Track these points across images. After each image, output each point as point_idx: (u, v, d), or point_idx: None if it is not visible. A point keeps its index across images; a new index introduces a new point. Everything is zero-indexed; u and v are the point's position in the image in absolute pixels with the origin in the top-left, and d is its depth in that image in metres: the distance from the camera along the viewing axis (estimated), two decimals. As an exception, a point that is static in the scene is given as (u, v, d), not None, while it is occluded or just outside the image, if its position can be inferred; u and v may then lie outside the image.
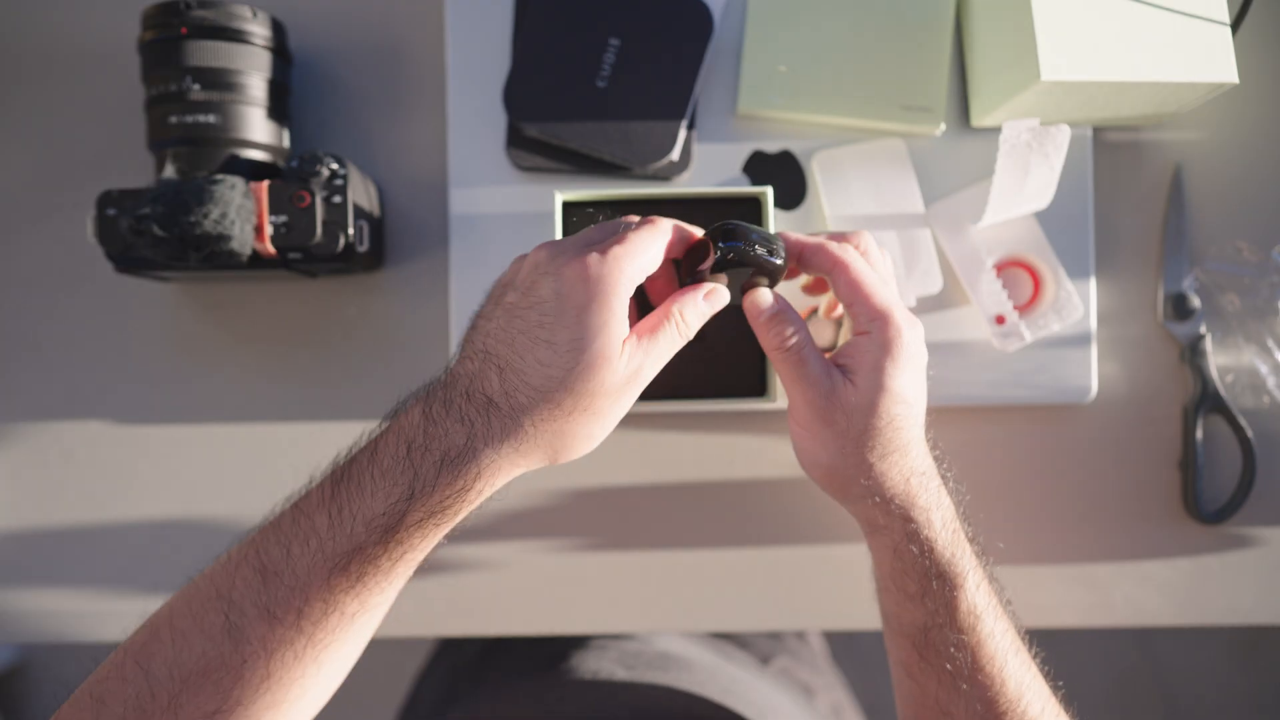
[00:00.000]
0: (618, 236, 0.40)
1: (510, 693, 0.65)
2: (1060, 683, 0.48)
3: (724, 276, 0.44)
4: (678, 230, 0.43)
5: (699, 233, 0.44)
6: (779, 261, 0.43)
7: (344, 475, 0.41)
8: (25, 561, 0.61)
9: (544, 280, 0.39)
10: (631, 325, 0.42)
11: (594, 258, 0.39)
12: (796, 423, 0.46)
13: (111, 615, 0.61)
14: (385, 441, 0.41)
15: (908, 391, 0.44)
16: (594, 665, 0.66)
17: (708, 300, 0.43)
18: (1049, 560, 0.61)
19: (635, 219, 0.43)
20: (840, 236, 0.47)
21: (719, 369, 0.51)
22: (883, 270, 0.47)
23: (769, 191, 0.50)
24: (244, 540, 0.42)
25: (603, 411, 0.41)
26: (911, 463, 0.45)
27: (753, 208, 0.52)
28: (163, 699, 0.39)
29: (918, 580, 0.45)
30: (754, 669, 0.74)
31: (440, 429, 0.40)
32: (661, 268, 0.43)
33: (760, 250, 0.42)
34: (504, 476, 0.41)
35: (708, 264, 0.42)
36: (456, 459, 0.39)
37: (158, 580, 0.61)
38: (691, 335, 0.44)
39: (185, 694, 0.39)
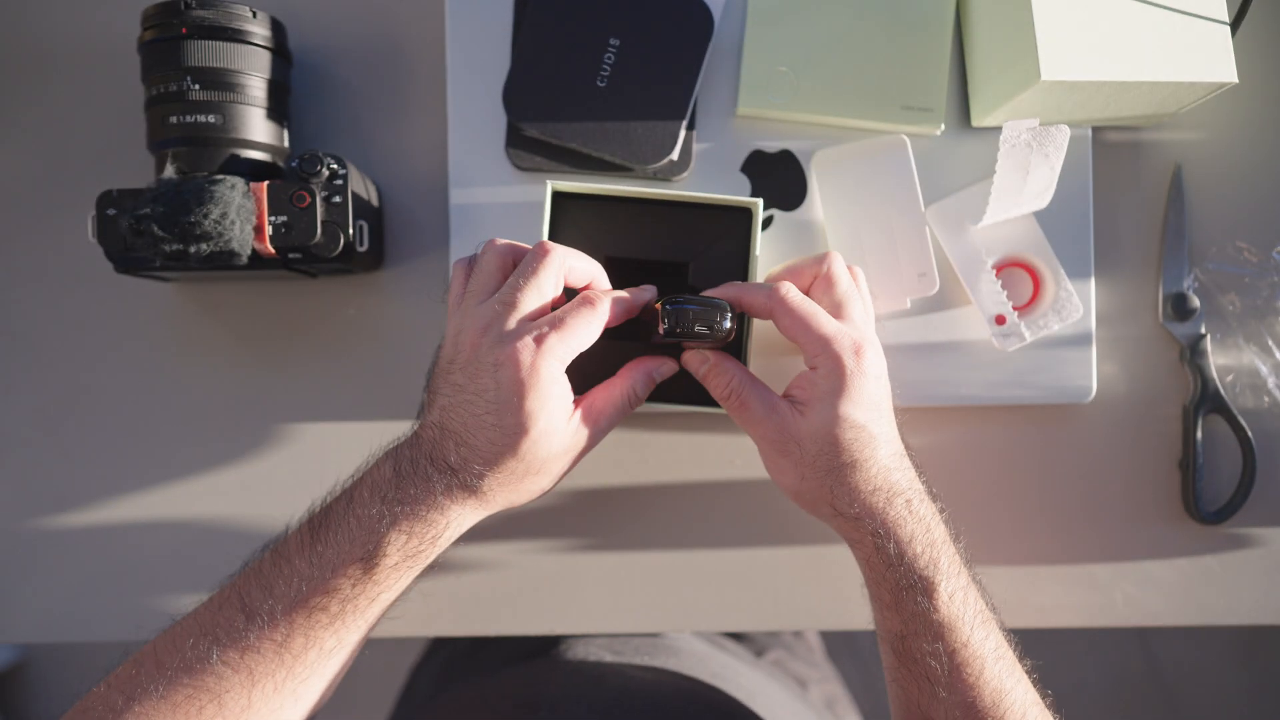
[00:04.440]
0: (555, 320, 0.44)
1: (499, 678, 0.66)
2: (1049, 692, 0.48)
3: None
4: (619, 305, 0.46)
5: (647, 293, 0.48)
6: (722, 333, 0.46)
7: (322, 523, 0.45)
8: (25, 561, 0.61)
9: (485, 372, 0.43)
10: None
11: (527, 349, 0.42)
12: (762, 454, 0.49)
13: (111, 615, 0.61)
14: (360, 493, 0.45)
15: (859, 416, 0.45)
16: (583, 652, 0.67)
17: (658, 375, 0.49)
18: (1049, 560, 0.61)
19: (553, 266, 0.45)
20: (793, 272, 0.50)
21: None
22: (839, 292, 0.48)
23: (759, 204, 0.51)
24: (223, 586, 0.46)
25: (553, 471, 0.46)
26: (874, 480, 0.46)
27: (744, 217, 0.52)
28: None
29: (890, 590, 0.46)
30: (747, 660, 0.75)
31: (411, 484, 0.44)
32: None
33: (700, 328, 0.45)
34: (468, 523, 0.47)
35: (660, 329, 0.45)
36: (428, 512, 0.44)
37: (158, 580, 0.61)
38: (643, 401, 0.49)
39: None
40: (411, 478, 0.44)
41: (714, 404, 0.51)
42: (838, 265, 0.49)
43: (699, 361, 0.48)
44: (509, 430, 0.43)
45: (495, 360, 0.43)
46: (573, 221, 0.52)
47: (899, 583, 0.46)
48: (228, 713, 0.43)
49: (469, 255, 0.49)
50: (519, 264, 0.46)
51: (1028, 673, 0.48)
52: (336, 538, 0.44)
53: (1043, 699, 0.48)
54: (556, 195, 0.51)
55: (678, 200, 0.52)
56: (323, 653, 0.45)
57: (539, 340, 0.42)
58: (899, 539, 0.46)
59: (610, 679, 0.62)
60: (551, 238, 0.51)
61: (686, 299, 0.46)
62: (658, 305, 0.46)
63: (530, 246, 0.46)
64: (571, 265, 0.46)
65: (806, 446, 0.46)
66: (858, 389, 0.45)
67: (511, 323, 0.43)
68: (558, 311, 0.44)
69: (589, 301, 0.45)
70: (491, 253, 0.47)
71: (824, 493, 0.46)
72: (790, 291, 0.46)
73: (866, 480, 0.46)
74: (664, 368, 0.49)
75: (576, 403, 0.46)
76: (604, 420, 0.47)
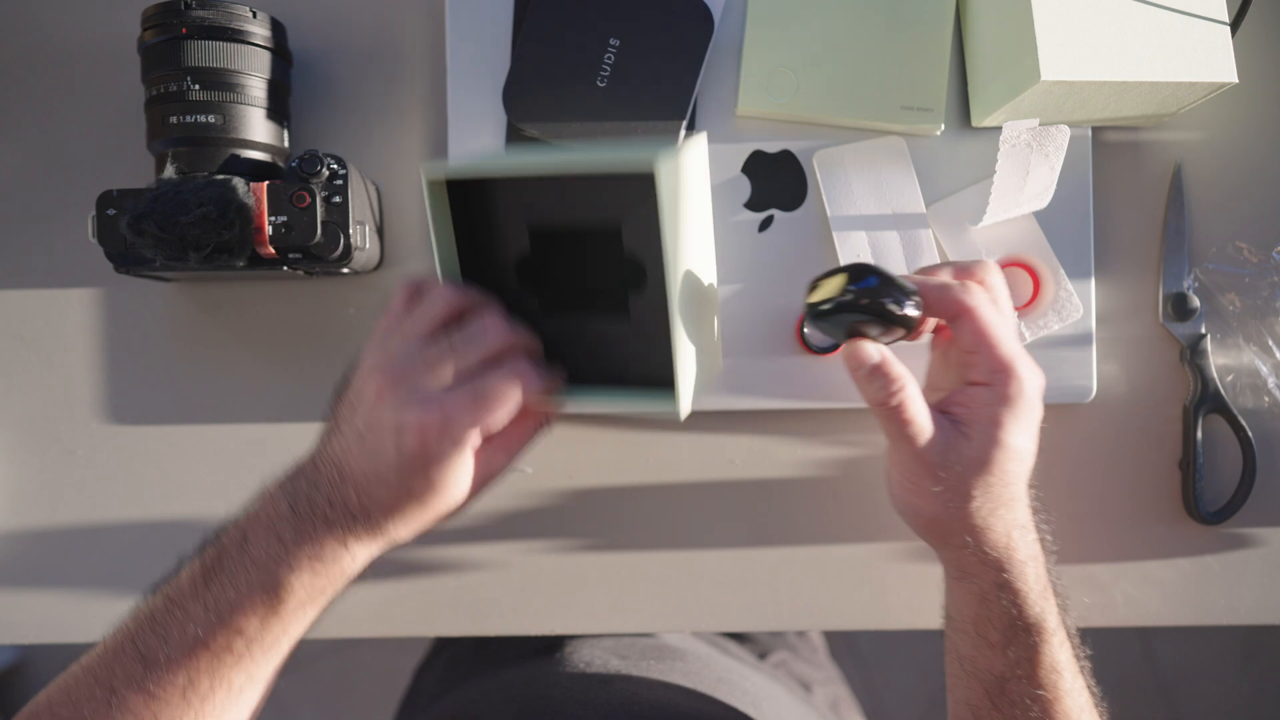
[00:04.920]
0: (472, 395, 0.41)
1: (503, 679, 0.66)
2: None
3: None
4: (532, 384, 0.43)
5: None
6: (912, 314, 0.41)
7: (215, 564, 0.43)
8: (25, 561, 0.61)
9: (386, 434, 0.41)
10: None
11: (434, 426, 0.40)
12: (899, 471, 0.44)
13: (111, 615, 0.60)
14: (255, 533, 0.43)
15: (1023, 447, 0.42)
16: (588, 655, 0.66)
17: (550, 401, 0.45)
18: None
19: (491, 334, 0.42)
20: (965, 272, 0.45)
21: (644, 356, 0.46)
22: (1006, 309, 0.45)
23: (660, 167, 0.39)
24: (115, 632, 0.44)
25: (462, 508, 0.44)
26: (1015, 516, 0.44)
27: (644, 187, 0.41)
28: None
29: (1002, 630, 0.44)
30: (751, 662, 0.75)
31: (310, 525, 0.42)
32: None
33: (890, 306, 0.40)
34: (374, 555, 0.45)
35: (837, 296, 0.41)
36: (332, 550, 0.42)
37: (157, 580, 0.60)
38: (544, 431, 0.46)
39: None
40: (310, 517, 0.42)
41: (641, 386, 0.45)
42: (1000, 279, 0.45)
43: (863, 356, 0.42)
44: (414, 491, 0.42)
45: (397, 425, 0.40)
46: (492, 201, 0.46)
47: (1015, 622, 0.43)
48: None
49: (419, 280, 0.46)
50: (465, 317, 0.43)
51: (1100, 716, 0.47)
52: (234, 580, 0.42)
53: None
54: (454, 185, 0.44)
55: (563, 172, 0.44)
56: (231, 691, 0.43)
57: (446, 422, 0.40)
58: (1026, 577, 0.43)
59: (615, 684, 0.62)
60: (468, 222, 0.46)
61: (874, 269, 0.41)
62: (842, 273, 0.41)
63: (481, 300, 0.44)
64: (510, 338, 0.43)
65: (966, 473, 0.42)
66: (1029, 417, 0.42)
67: (424, 387, 0.41)
68: (478, 384, 0.41)
69: (513, 378, 0.41)
70: (439, 298, 0.44)
71: (965, 523, 0.43)
72: (984, 297, 0.42)
73: (1012, 516, 0.43)
74: (866, 352, 0.43)
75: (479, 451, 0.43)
76: (517, 451, 0.45)
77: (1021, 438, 0.42)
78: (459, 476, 0.42)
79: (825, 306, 0.42)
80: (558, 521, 0.61)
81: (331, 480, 0.43)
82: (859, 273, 0.41)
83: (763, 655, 0.78)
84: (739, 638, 0.78)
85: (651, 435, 0.61)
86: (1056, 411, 0.61)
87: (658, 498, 0.61)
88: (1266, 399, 0.61)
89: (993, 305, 0.43)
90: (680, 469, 0.61)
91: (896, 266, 0.58)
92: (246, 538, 0.42)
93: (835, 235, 0.58)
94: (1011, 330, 0.43)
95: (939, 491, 0.42)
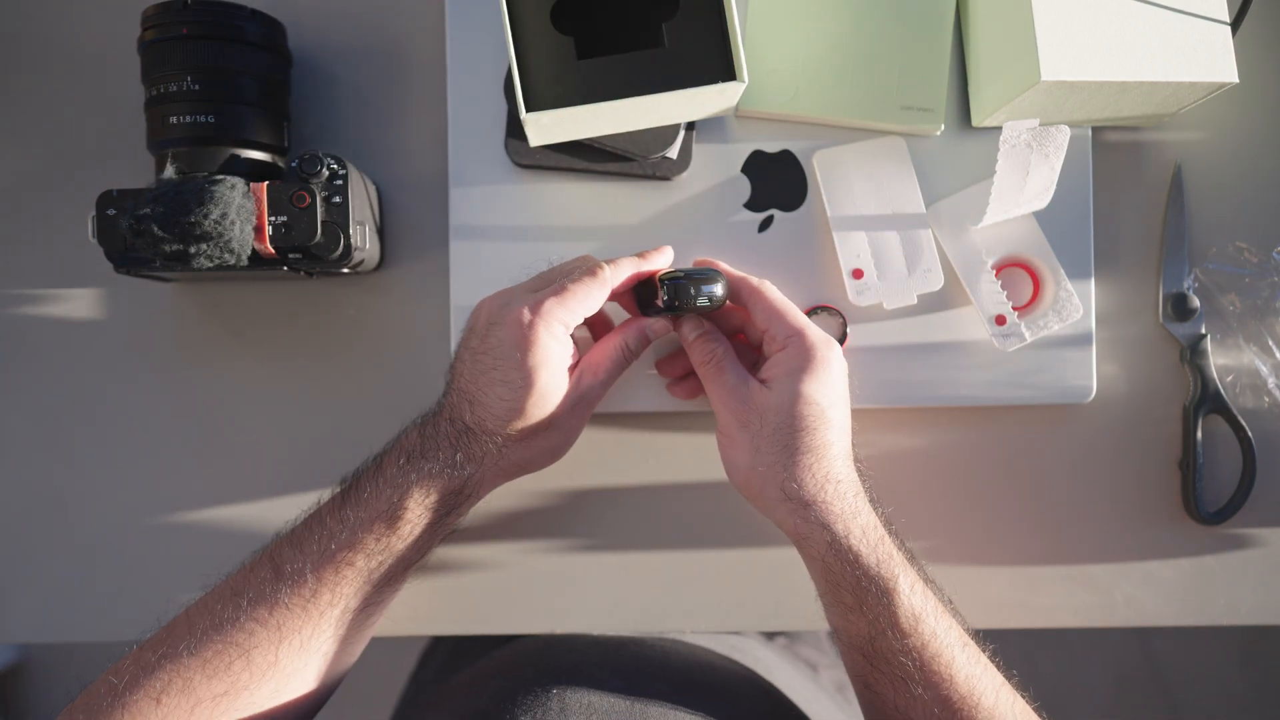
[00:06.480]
0: (557, 287, 0.47)
1: (518, 647, 0.66)
2: (1014, 672, 0.49)
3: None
4: (625, 273, 0.49)
5: (663, 257, 0.52)
6: (718, 300, 0.49)
7: (353, 486, 0.48)
8: (25, 561, 0.61)
9: (494, 330, 0.47)
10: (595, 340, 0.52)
11: (527, 312, 0.47)
12: (720, 432, 0.50)
13: (111, 615, 0.61)
14: (388, 457, 0.48)
15: (818, 396, 0.47)
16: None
17: (651, 333, 0.52)
18: (1049, 560, 0.61)
19: (587, 262, 0.50)
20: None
21: (683, 62, 0.51)
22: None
23: None
24: (256, 553, 0.48)
25: (562, 427, 0.49)
26: (826, 468, 0.47)
27: None
28: (178, 683, 0.43)
29: (852, 591, 0.46)
30: (759, 639, 0.75)
31: (433, 444, 0.47)
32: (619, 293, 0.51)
33: (702, 301, 0.49)
34: (488, 486, 0.50)
35: (658, 301, 0.49)
36: (446, 468, 0.47)
37: (157, 580, 0.61)
38: (637, 356, 0.52)
39: (200, 676, 0.43)
40: (433, 438, 0.47)
41: (685, 86, 0.51)
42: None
43: (692, 326, 0.51)
44: (515, 385, 0.46)
45: (503, 320, 0.47)
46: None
47: (859, 582, 0.46)
48: (255, 668, 0.44)
49: None
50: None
51: (990, 657, 0.48)
52: (364, 497, 0.47)
53: (1008, 679, 0.48)
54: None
55: None
56: (347, 611, 0.46)
57: (537, 304, 0.46)
58: (853, 534, 0.46)
59: (629, 647, 0.62)
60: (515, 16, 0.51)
61: (684, 272, 0.49)
62: (657, 280, 0.49)
63: None
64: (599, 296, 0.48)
65: (767, 418, 0.47)
66: (824, 372, 0.48)
67: (520, 294, 0.48)
68: (563, 280, 0.48)
69: (592, 272, 0.48)
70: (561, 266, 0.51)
71: (775, 472, 0.47)
72: (771, 286, 0.51)
73: (820, 467, 0.47)
74: (656, 325, 0.52)
75: (576, 361, 0.49)
76: (603, 373, 0.50)
77: (819, 390, 0.47)
78: (552, 371, 0.47)
79: (659, 307, 0.49)
80: (558, 521, 0.61)
81: (452, 403, 0.48)
82: (668, 276, 0.49)
83: (769, 637, 0.79)
84: None
85: (651, 435, 0.61)
86: (1056, 411, 0.61)
87: (658, 498, 0.61)
88: (1266, 399, 0.61)
89: (777, 290, 0.51)
90: (680, 469, 0.61)
91: (897, 266, 0.58)
92: (381, 464, 0.48)
93: (835, 235, 0.58)
94: (797, 308, 0.50)
95: (747, 440, 0.48)
